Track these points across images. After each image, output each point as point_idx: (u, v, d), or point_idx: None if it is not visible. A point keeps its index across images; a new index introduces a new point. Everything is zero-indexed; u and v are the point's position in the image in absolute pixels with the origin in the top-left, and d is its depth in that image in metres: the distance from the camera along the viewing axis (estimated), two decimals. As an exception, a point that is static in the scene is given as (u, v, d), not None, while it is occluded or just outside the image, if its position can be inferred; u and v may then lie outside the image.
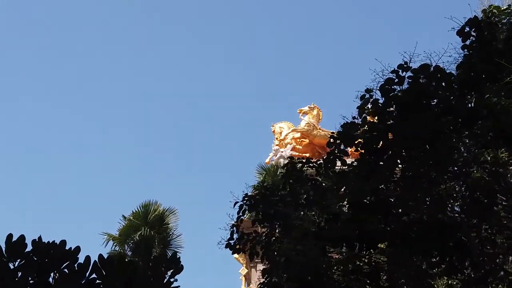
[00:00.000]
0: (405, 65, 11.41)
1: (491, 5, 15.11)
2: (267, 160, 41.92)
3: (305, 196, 14.17)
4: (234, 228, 15.01)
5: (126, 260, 7.22)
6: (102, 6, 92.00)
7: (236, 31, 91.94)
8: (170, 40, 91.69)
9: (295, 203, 14.34)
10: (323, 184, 13.69)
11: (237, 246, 15.01)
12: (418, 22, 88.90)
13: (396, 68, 11.45)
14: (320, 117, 45.25)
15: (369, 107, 12.93)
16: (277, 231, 14.64)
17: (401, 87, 11.50)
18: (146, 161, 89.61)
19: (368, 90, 12.75)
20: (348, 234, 10.37)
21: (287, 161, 41.38)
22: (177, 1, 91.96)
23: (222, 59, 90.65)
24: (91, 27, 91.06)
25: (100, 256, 7.29)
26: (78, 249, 7.04)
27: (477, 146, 13.57)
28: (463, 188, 14.39)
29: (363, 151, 11.65)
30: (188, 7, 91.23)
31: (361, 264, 11.19)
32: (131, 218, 28.59)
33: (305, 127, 44.38)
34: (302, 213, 13.72)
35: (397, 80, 11.46)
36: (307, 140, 44.51)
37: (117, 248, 28.35)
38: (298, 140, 44.37)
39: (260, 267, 38.43)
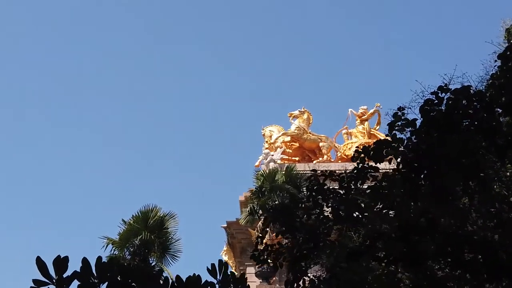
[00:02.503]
0: (444, 87, 11.70)
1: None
2: (256, 163, 42.19)
3: (330, 209, 14.35)
4: (259, 239, 15.23)
5: (203, 281, 7.40)
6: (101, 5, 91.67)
7: (228, 34, 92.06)
8: (163, 43, 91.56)
9: (320, 216, 14.50)
10: (351, 197, 13.86)
11: (261, 258, 15.21)
12: (417, 33, 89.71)
13: (436, 90, 11.74)
14: (311, 121, 45.57)
15: (399, 124, 13.19)
16: (300, 242, 14.80)
17: (440, 107, 11.78)
18: (146, 165, 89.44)
19: (401, 108, 13.03)
20: (395, 253, 10.59)
21: (277, 164, 41.45)
22: (170, 2, 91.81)
23: (213, 62, 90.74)
24: (90, 26, 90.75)
25: (178, 277, 7.48)
26: (161, 271, 7.22)
27: (500, 163, 13.86)
28: (476, 202, 14.67)
29: (404, 169, 11.89)
30: (181, 8, 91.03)
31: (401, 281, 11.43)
32: (131, 222, 28.74)
33: (295, 131, 44.63)
34: (332, 227, 13.89)
35: (436, 101, 11.75)
36: (297, 144, 44.77)
37: (116, 252, 28.51)
38: (288, 144, 44.61)
39: (250, 270, 38.68)
